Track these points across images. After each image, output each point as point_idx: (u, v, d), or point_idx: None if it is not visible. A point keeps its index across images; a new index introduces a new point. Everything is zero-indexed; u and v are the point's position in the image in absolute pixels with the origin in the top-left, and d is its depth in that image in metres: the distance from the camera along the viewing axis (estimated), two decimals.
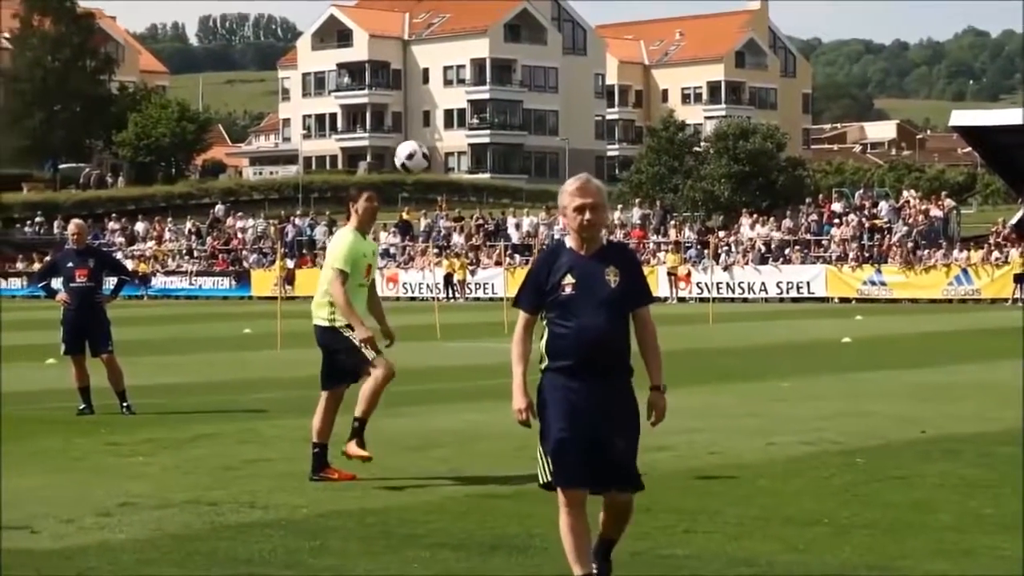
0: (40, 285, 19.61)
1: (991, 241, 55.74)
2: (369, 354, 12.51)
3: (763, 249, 60.66)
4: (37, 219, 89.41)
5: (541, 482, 8.17)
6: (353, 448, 12.64)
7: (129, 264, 60.68)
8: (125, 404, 18.29)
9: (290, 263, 66.98)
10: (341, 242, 12.77)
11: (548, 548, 9.62)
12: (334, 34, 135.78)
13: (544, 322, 8.23)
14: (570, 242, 8.26)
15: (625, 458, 8.15)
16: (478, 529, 10.38)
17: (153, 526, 10.64)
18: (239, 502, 11.56)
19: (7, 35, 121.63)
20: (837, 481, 12.45)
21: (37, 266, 73.76)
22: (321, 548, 9.79)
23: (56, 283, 19.06)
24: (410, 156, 13.99)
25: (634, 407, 8.16)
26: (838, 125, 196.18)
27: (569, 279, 8.11)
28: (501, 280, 58.44)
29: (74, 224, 19.19)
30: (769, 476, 12.73)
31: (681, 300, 58.89)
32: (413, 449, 14.61)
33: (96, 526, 10.68)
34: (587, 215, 8.11)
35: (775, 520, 10.65)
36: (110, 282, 19.65)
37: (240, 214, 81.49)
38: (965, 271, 54.25)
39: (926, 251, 56.28)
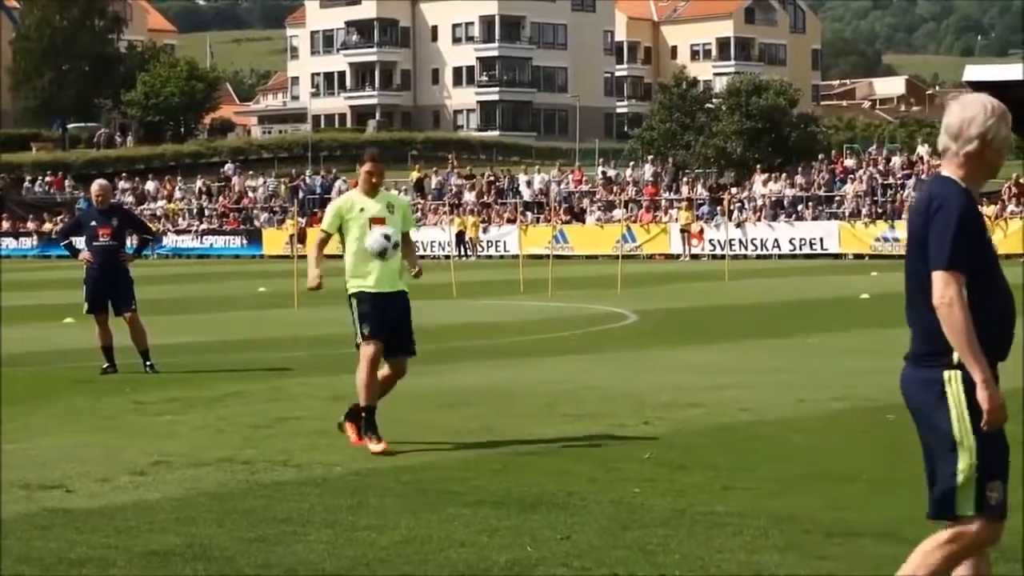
0: (63, 244, 19.52)
1: (1004, 197, 55.49)
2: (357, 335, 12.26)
3: (775, 206, 60.48)
4: (47, 179, 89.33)
5: (968, 512, 5.88)
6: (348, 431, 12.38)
7: None
8: (148, 363, 18.25)
9: (301, 221, 66.83)
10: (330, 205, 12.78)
11: (587, 506, 9.59)
12: None
13: None
14: (966, 181, 6.06)
15: None
16: (516, 486, 10.30)
17: (188, 485, 10.59)
18: (273, 461, 11.51)
19: None
20: (872, 437, 12.39)
21: (48, 226, 73.83)
22: (360, 506, 9.73)
23: (78, 242, 18.99)
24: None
25: None
26: (847, 81, 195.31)
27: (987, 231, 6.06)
28: (514, 237, 58.34)
29: (97, 184, 19.07)
30: (803, 432, 12.66)
31: (694, 257, 58.79)
32: (442, 407, 14.54)
33: (131, 485, 10.63)
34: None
35: (814, 476, 10.59)
36: (132, 241, 19.60)
37: (251, 173, 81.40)
38: None
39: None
